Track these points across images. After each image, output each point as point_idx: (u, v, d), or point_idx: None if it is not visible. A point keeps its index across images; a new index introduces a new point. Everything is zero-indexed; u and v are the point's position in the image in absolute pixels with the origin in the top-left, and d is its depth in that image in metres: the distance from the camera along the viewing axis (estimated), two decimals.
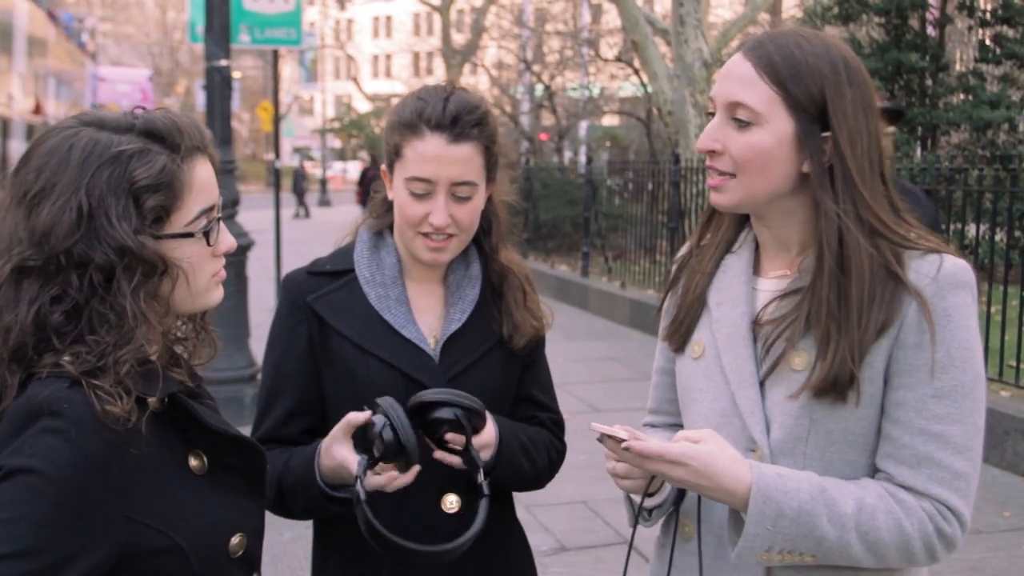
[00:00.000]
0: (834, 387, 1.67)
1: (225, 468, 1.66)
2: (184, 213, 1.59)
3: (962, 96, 12.52)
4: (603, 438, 1.69)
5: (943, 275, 1.68)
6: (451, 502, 2.08)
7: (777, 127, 1.69)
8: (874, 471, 1.73)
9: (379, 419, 1.89)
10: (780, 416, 1.72)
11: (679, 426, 1.98)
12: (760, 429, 1.74)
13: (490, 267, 2.21)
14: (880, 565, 1.69)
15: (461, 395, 1.94)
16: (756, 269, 1.86)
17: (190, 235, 1.60)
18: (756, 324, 1.79)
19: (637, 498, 1.84)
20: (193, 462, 1.62)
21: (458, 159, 2.04)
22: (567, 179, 17.86)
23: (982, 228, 8.03)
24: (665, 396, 2.04)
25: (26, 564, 1.39)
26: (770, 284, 1.81)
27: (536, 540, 5.60)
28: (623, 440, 1.64)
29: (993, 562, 5.10)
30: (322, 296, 2.13)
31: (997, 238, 7.80)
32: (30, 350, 1.49)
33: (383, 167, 2.17)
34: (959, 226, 8.52)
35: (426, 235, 2.08)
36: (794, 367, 1.71)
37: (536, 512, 5.62)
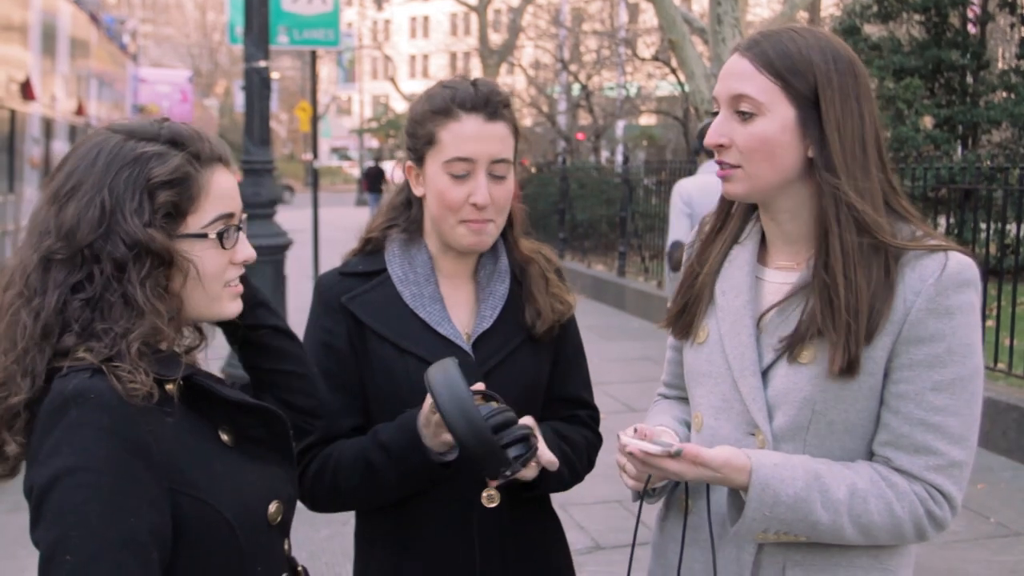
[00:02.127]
0: (837, 379, 1.75)
1: (251, 440, 1.72)
2: (200, 216, 1.65)
3: (1003, 94, 12.38)
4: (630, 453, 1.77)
5: (947, 274, 1.74)
6: (490, 496, 2.10)
7: (780, 115, 1.78)
8: (870, 457, 1.82)
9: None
10: (783, 405, 1.80)
11: (687, 400, 2.07)
12: (763, 416, 1.82)
13: (512, 259, 2.23)
14: (871, 543, 1.80)
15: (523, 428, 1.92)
16: (763, 259, 1.93)
17: (204, 236, 1.66)
18: (762, 314, 1.87)
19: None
20: (224, 436, 1.68)
21: (495, 136, 2.09)
22: (604, 178, 17.84)
23: (1023, 228, 7.95)
24: (677, 372, 2.13)
25: (115, 555, 1.44)
26: (776, 275, 1.89)
27: (571, 538, 5.59)
28: (656, 454, 1.74)
29: None
30: (356, 296, 2.15)
31: None
32: (55, 335, 1.56)
33: (408, 164, 2.18)
34: (1000, 225, 8.43)
35: (466, 221, 2.10)
36: (800, 360, 1.79)
37: (571, 511, 5.63)
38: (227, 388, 1.72)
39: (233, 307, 1.75)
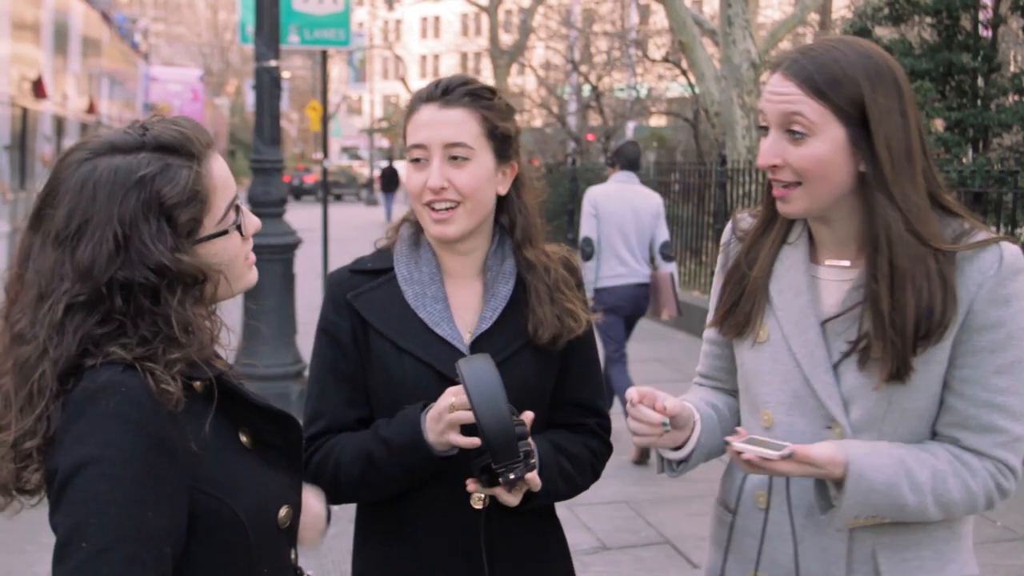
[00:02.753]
0: (891, 380, 1.86)
1: (267, 445, 1.73)
2: (214, 214, 1.66)
3: (1015, 97, 12.34)
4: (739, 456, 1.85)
5: (1005, 264, 1.87)
6: (479, 498, 2.09)
7: (831, 135, 1.84)
8: (932, 438, 1.94)
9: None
10: (859, 399, 1.91)
11: (725, 391, 2.21)
12: (840, 410, 1.91)
13: (519, 262, 2.23)
14: (948, 518, 1.93)
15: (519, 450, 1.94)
16: (813, 258, 2.00)
17: (225, 232, 1.67)
18: (826, 313, 1.94)
19: (667, 454, 2.06)
20: (243, 438, 1.70)
21: (449, 122, 2.12)
22: None
23: None
24: (715, 364, 2.23)
25: (129, 547, 1.45)
26: (831, 273, 1.97)
27: (577, 539, 5.62)
28: (772, 459, 1.82)
29: None
30: (361, 294, 2.18)
31: None
32: (73, 373, 1.55)
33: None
34: (1010, 228, 8.41)
35: (428, 205, 2.12)
36: (871, 354, 1.87)
37: (578, 511, 5.64)
38: (252, 392, 1.74)
39: (252, 277, 1.77)
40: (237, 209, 1.70)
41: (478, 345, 2.14)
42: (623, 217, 7.43)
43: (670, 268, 7.68)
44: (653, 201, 7.67)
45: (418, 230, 2.24)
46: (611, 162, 8.10)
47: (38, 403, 1.53)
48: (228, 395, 1.67)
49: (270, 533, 1.69)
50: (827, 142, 1.84)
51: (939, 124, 12.20)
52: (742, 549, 2.06)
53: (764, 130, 1.92)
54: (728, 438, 1.89)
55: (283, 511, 1.72)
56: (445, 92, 2.14)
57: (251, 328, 7.38)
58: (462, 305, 2.19)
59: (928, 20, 12.72)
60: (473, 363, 1.93)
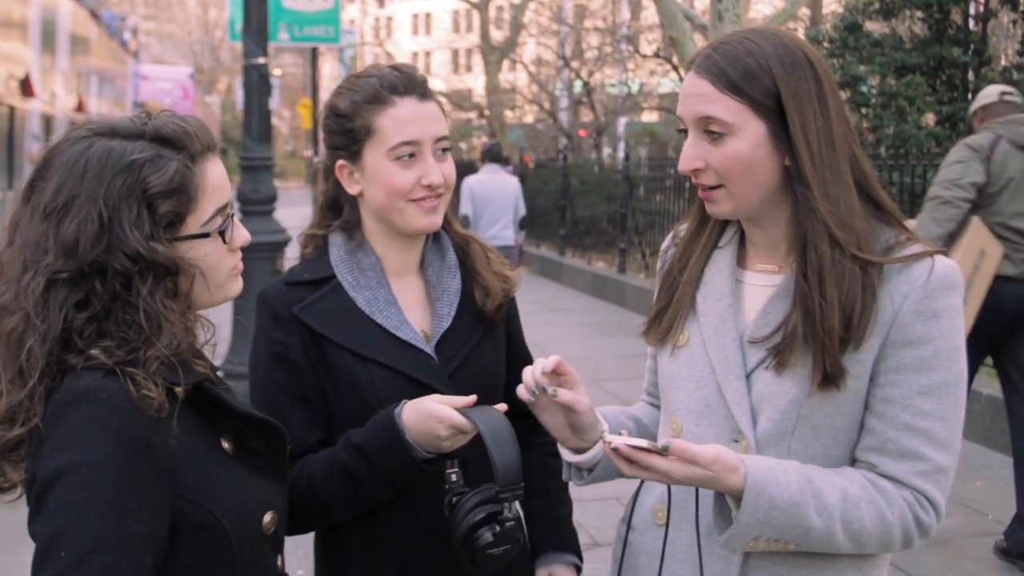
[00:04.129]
0: (825, 384, 1.71)
1: (250, 451, 1.71)
2: (199, 214, 1.63)
3: None
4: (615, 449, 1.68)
5: (935, 276, 1.72)
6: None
7: (751, 132, 1.72)
8: (852, 463, 1.78)
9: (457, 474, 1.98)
10: (768, 409, 1.76)
11: (658, 407, 2.06)
12: (747, 420, 1.77)
13: (455, 245, 2.21)
14: (859, 552, 1.74)
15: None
16: (743, 262, 1.89)
17: (206, 235, 1.64)
18: (746, 318, 1.83)
19: (569, 456, 1.92)
20: (225, 444, 1.67)
21: (433, 115, 2.08)
22: (605, 175, 17.83)
23: None
24: (652, 380, 2.11)
25: (109, 556, 1.43)
26: (758, 278, 1.85)
27: None
28: (645, 448, 1.64)
29: None
30: (308, 306, 2.07)
31: None
32: (61, 352, 1.54)
33: (340, 163, 2.11)
34: None
35: (417, 200, 2.07)
36: (786, 364, 1.74)
37: None
38: (233, 398, 1.72)
39: (237, 287, 1.75)
40: (227, 217, 1.68)
41: (440, 345, 2.10)
42: (491, 198, 10.60)
43: (521, 235, 11.26)
44: (513, 186, 11.01)
45: (353, 236, 2.15)
46: (481, 159, 11.72)
47: (29, 378, 1.51)
48: (209, 401, 1.65)
49: (254, 540, 1.67)
50: (747, 140, 1.71)
51: (930, 118, 12.21)
52: (636, 569, 1.94)
53: (684, 132, 1.80)
54: (604, 434, 1.74)
55: (267, 517, 1.70)
56: (417, 84, 2.08)
57: (241, 326, 7.35)
58: (408, 305, 2.13)
59: (919, 14, 12.74)
60: (491, 415, 1.87)
